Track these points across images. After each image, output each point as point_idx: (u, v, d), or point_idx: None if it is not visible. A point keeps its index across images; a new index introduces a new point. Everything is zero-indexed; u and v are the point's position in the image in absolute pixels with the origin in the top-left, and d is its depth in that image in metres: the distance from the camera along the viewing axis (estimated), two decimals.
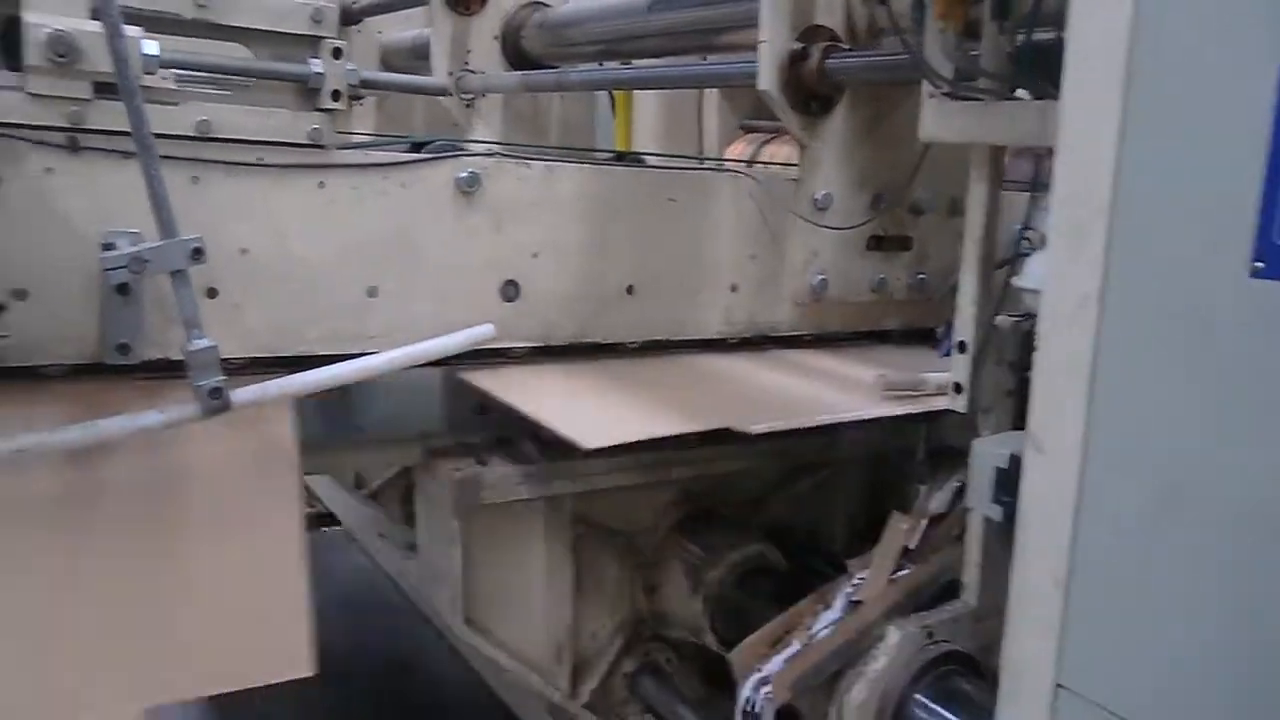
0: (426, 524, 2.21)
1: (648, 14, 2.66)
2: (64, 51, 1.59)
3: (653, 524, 2.31)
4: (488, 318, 1.96)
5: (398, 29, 3.86)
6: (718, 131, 3.56)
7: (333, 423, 2.00)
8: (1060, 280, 1.17)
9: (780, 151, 3.02)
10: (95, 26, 1.59)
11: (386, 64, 3.80)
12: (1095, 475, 1.16)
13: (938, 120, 1.69)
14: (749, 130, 3.56)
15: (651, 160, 2.54)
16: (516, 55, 3.14)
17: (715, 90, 3.52)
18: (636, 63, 3.06)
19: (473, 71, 3.10)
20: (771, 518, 2.40)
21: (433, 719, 3.42)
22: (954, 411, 1.85)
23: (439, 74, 3.08)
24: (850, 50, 2.13)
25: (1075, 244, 1.14)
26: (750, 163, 2.93)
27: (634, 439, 1.75)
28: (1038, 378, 1.22)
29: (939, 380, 1.92)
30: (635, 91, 3.70)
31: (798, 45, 2.11)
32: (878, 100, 2.21)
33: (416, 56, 3.46)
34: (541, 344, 2.09)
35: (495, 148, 2.22)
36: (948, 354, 2.06)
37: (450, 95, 2.98)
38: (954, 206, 2.33)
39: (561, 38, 3.06)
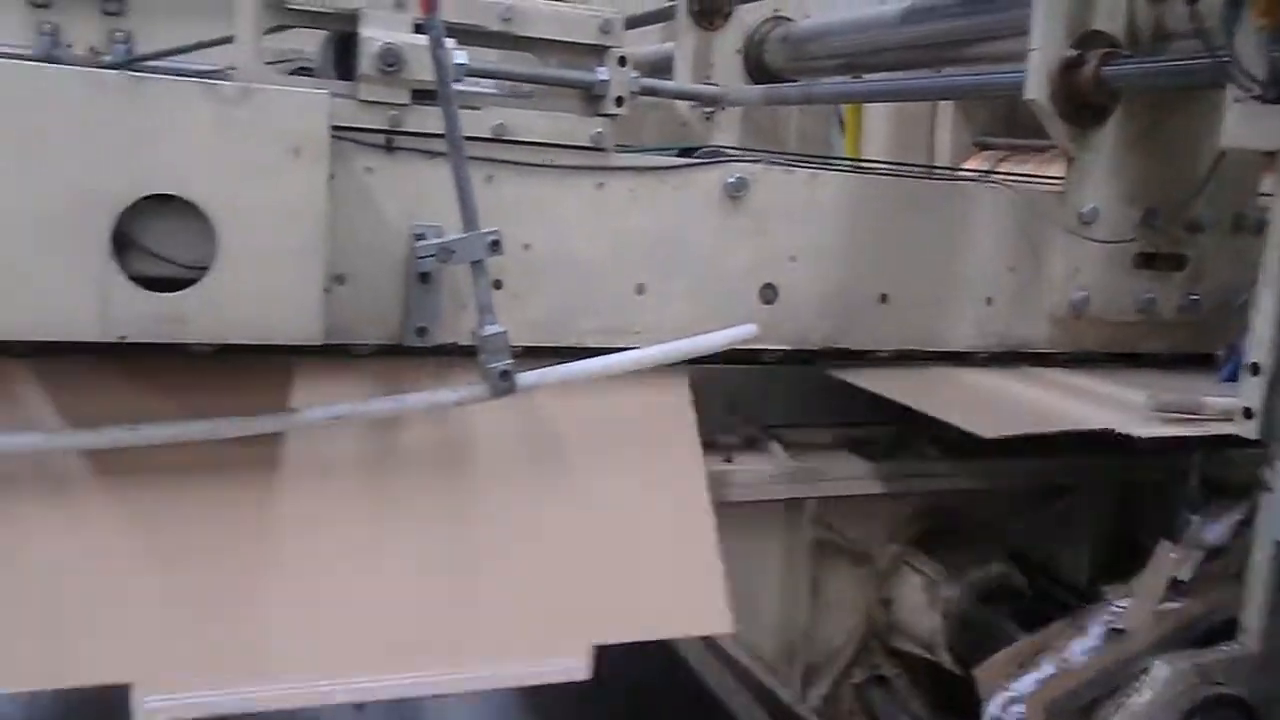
0: None
1: (899, 25, 2.66)
2: (392, 62, 1.76)
3: (891, 535, 2.30)
4: (746, 319, 2.02)
5: (631, 44, 4.02)
6: (950, 148, 3.50)
7: None
8: None
9: (1017, 171, 2.95)
10: (418, 40, 1.75)
11: None
12: None
13: (1245, 126, 1.61)
14: (983, 147, 3.49)
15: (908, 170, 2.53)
16: (757, 69, 3.21)
17: (950, 106, 3.47)
18: (868, 76, 3.07)
19: (713, 84, 3.18)
20: (1012, 540, 2.34)
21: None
22: (1233, 438, 1.76)
23: None
24: (1130, 56, 2.06)
25: None
26: (992, 172, 2.87)
27: (1037, 430, 1.80)
28: None
29: (1221, 404, 1.82)
30: (866, 106, 3.70)
31: (1072, 53, 2.06)
32: (1155, 109, 2.13)
33: (656, 70, 3.59)
34: (795, 348, 2.12)
35: (761, 154, 2.27)
36: (1229, 378, 1.96)
37: (723, 106, 3.07)
38: (1238, 222, 2.21)
39: (804, 51, 3.10)
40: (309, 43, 2.19)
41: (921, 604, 2.23)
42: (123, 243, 1.54)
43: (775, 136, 3.33)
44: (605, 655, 1.79)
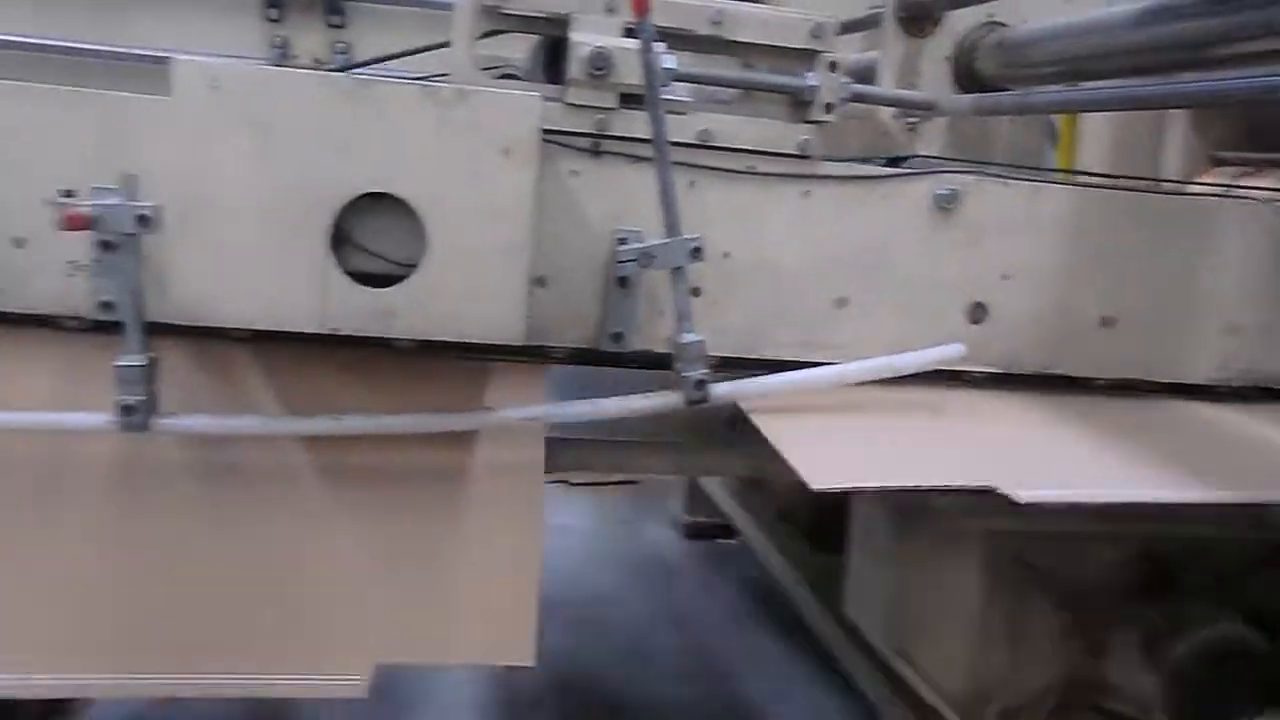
0: (861, 542, 2.18)
1: (1134, 28, 2.45)
2: (601, 66, 1.76)
3: (1105, 580, 2.11)
4: (951, 338, 1.90)
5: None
6: (1179, 163, 3.23)
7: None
8: None
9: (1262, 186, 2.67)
10: (627, 44, 1.75)
11: None
12: None
13: None
14: (1219, 163, 3.19)
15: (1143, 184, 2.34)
16: (967, 77, 3.05)
17: (1180, 116, 3.19)
18: (1088, 84, 2.85)
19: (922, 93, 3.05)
20: (1249, 597, 2.10)
21: None
22: None
23: None
24: None
25: None
26: (1240, 186, 2.61)
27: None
28: None
29: None
30: (1081, 116, 3.46)
31: None
32: None
33: (856, 80, 3.48)
34: (1003, 371, 1.99)
35: (974, 165, 2.15)
36: None
37: (936, 114, 2.94)
38: None
39: (1020, 58, 2.91)
40: (513, 49, 2.23)
41: (1136, 660, 2.03)
42: (339, 238, 1.61)
43: (983, 148, 3.15)
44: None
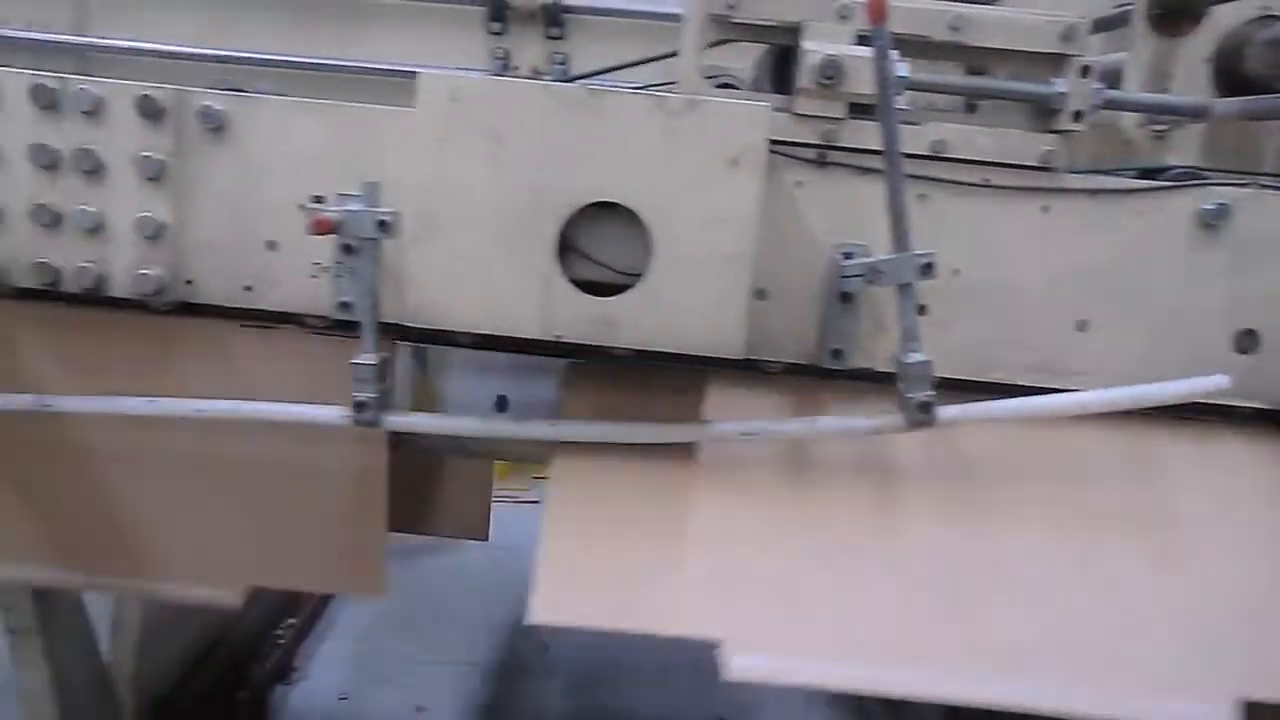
0: None
1: None
2: (831, 74, 1.70)
3: None
4: (1213, 368, 1.72)
5: None
6: None
7: None
8: None
9: None
10: (859, 51, 1.68)
11: None
12: None
13: None
14: None
15: None
16: (1232, 78, 2.77)
17: None
18: None
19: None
20: None
21: None
22: None
23: None
24: None
25: None
26: None
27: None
28: None
29: None
30: None
31: None
32: None
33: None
34: (1274, 408, 1.78)
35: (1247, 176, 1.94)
36: None
37: (1204, 120, 2.71)
38: None
39: None
40: (731, 58, 2.20)
41: None
42: (565, 246, 1.62)
43: (1247, 157, 2.85)
44: None
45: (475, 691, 3.89)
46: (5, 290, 1.86)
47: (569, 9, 3.33)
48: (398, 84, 2.66)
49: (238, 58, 2.94)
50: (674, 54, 1.81)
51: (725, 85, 2.28)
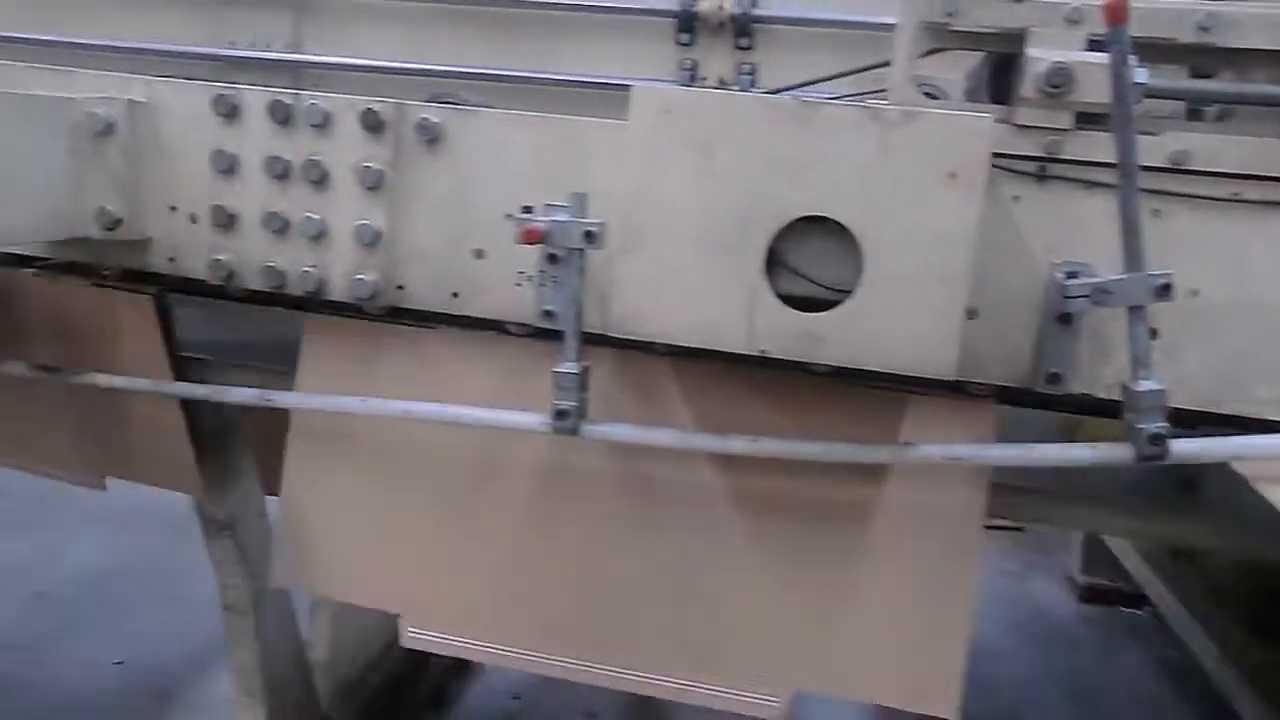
0: None
1: None
2: (1059, 82, 1.60)
3: None
4: None
5: None
6: None
7: None
8: None
9: None
10: (1091, 58, 1.58)
11: None
12: None
13: None
14: None
15: None
16: None
17: None
18: None
19: None
20: None
21: None
22: None
23: None
24: None
25: None
26: None
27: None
28: None
29: None
30: None
31: None
32: None
33: None
34: None
35: None
36: None
37: None
38: None
39: None
40: (936, 67, 2.11)
41: None
42: (773, 260, 1.59)
43: None
44: None
45: (644, 699, 3.91)
46: (234, 292, 2.00)
47: (759, 19, 3.31)
48: (593, 95, 2.71)
49: (439, 71, 3.06)
50: (871, 66, 1.75)
51: (927, 95, 2.20)
